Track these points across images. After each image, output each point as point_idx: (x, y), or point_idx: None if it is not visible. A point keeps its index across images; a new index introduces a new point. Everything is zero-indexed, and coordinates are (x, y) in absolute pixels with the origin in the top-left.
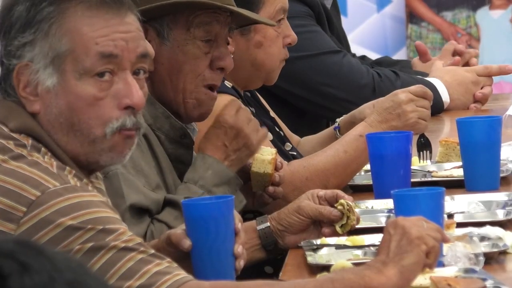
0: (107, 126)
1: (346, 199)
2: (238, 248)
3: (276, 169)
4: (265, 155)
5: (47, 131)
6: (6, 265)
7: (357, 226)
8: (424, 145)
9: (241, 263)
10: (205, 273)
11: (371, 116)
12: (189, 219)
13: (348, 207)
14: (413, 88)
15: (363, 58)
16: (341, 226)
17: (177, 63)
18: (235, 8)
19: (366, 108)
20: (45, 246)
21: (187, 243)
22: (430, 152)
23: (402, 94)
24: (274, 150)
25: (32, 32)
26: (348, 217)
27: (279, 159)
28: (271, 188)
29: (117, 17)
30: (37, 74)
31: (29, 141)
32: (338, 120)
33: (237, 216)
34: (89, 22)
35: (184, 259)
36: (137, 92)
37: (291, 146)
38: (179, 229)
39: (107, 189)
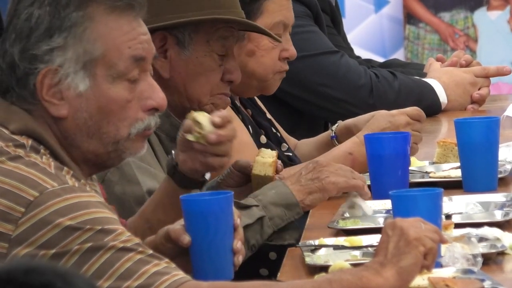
0: (133, 127)
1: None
2: (237, 244)
3: (277, 171)
4: (266, 157)
5: (73, 135)
6: None
7: (355, 227)
8: None
9: (239, 259)
10: (204, 269)
11: (364, 131)
12: (188, 215)
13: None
14: (410, 110)
15: (369, 61)
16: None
17: (194, 74)
18: (252, 23)
19: (362, 120)
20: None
21: (186, 238)
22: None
23: (400, 116)
24: (275, 153)
25: (63, 37)
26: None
27: (279, 161)
28: None
29: (136, 20)
30: (67, 78)
31: (28, 142)
32: (333, 128)
33: (236, 212)
34: (117, 26)
35: (182, 255)
36: (160, 93)
37: (287, 147)
38: (178, 225)
39: (119, 177)
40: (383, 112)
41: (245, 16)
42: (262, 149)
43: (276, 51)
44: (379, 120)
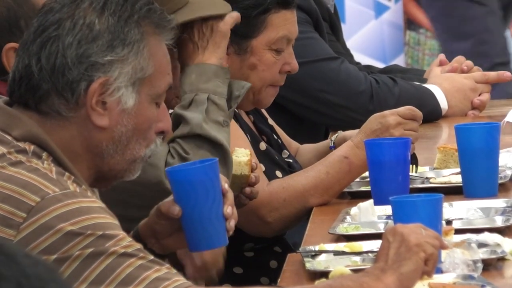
0: (149, 148)
1: None
2: (227, 209)
3: (252, 169)
4: (240, 156)
5: (104, 146)
6: None
7: (355, 233)
8: (411, 158)
9: (231, 224)
10: (198, 238)
11: (357, 136)
12: (176, 186)
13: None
14: (402, 110)
15: (369, 67)
16: None
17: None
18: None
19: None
20: (17, 249)
21: (176, 209)
22: (416, 166)
23: (390, 117)
24: (248, 151)
25: (126, 51)
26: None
27: (254, 159)
28: (248, 189)
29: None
30: (119, 92)
31: (31, 148)
32: (333, 138)
33: (223, 178)
34: (161, 49)
35: (177, 231)
36: (169, 117)
37: (288, 153)
38: (167, 199)
39: None
40: (376, 114)
41: (250, 30)
42: (236, 148)
43: (278, 65)
44: (371, 121)
